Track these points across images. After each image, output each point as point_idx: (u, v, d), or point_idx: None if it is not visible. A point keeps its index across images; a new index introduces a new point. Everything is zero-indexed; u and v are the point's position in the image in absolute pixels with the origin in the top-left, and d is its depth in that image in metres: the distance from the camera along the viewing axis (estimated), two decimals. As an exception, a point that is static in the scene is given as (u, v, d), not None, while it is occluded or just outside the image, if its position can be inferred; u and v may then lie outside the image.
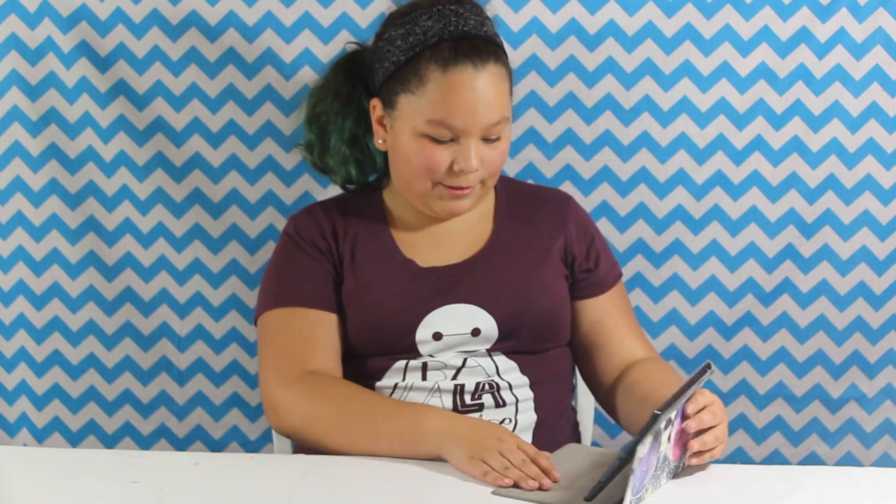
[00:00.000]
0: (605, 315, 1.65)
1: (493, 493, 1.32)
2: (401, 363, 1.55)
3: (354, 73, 1.62)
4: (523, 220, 1.64)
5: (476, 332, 1.55)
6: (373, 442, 1.44)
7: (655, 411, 1.22)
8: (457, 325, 1.54)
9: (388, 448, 1.44)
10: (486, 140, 1.50)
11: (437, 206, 1.55)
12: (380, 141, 1.57)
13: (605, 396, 1.66)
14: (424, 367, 1.54)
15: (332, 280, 1.58)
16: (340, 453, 1.46)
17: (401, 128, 1.52)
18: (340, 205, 1.66)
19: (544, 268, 1.60)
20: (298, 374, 1.51)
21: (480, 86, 1.47)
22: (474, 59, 1.47)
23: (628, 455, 1.22)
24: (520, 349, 1.57)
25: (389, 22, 1.55)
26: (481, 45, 1.49)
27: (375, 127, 1.57)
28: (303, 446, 1.55)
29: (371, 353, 1.56)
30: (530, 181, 2.06)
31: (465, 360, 1.55)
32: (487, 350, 1.56)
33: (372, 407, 1.48)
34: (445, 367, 1.55)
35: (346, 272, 1.58)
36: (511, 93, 1.56)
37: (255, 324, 1.63)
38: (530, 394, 1.57)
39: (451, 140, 1.49)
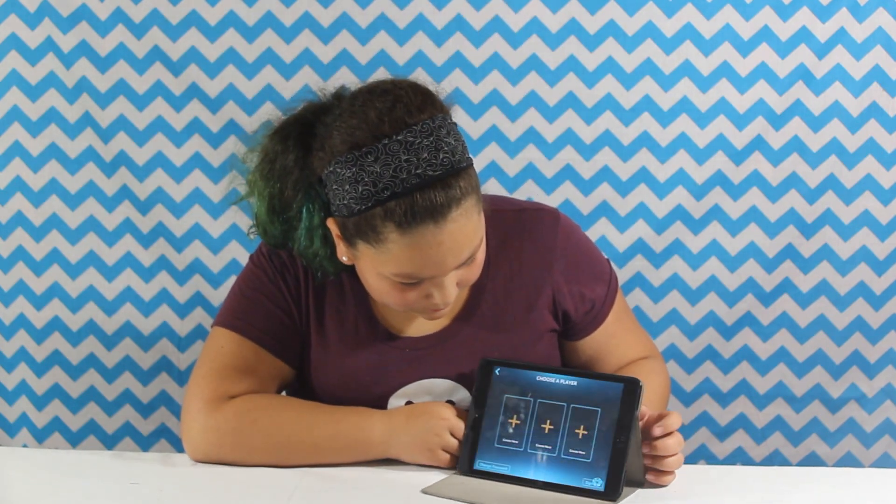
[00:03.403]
0: (602, 347, 1.56)
1: (424, 490, 1.31)
2: None
3: (306, 163, 1.39)
4: (505, 268, 1.50)
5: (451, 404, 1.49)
6: (316, 459, 1.40)
7: (641, 383, 1.26)
8: (431, 398, 1.48)
9: (334, 460, 1.41)
10: (461, 265, 1.36)
11: (418, 315, 1.44)
12: (343, 258, 1.40)
13: None
14: None
15: (293, 328, 1.48)
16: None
17: (364, 266, 1.36)
18: None
19: (526, 328, 1.50)
20: (222, 399, 1.43)
21: (445, 240, 1.29)
22: (434, 213, 1.28)
23: (626, 435, 1.25)
24: None
25: (333, 153, 1.32)
26: (439, 189, 1.28)
27: (337, 241, 1.39)
28: None
29: None
30: (527, 181, 2.06)
31: None
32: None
33: (311, 425, 1.41)
34: None
35: (314, 328, 1.48)
36: (481, 209, 1.36)
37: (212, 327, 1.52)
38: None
39: (423, 279, 1.34)
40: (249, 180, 1.45)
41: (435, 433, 1.36)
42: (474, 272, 1.39)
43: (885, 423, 2.15)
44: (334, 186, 1.33)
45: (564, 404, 1.31)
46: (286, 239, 1.44)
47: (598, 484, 1.26)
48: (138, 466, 1.41)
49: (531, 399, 1.33)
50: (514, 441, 1.32)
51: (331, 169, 1.33)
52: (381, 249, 1.32)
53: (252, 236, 1.51)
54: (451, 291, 1.36)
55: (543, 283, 1.50)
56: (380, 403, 1.47)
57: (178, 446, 2.17)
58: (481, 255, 1.39)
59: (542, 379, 1.33)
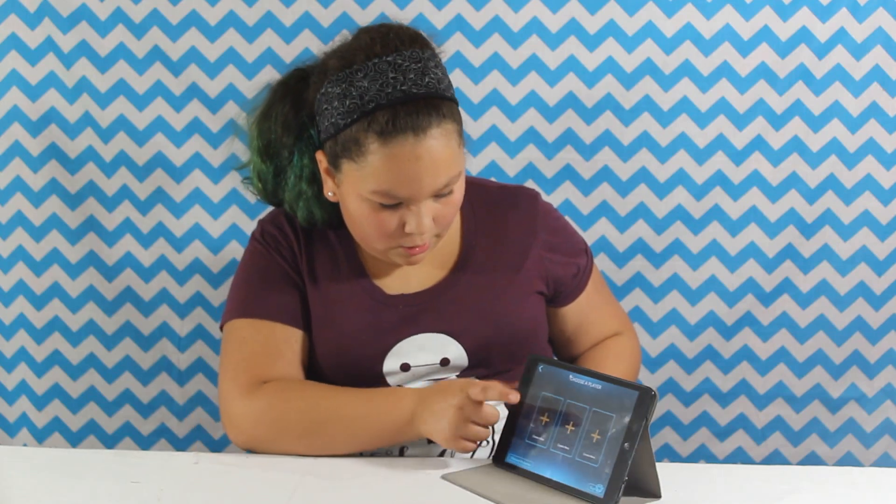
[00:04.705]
0: (585, 316, 1.64)
1: (443, 476, 1.34)
2: None
3: (302, 104, 1.49)
4: (492, 234, 1.57)
5: (445, 363, 1.51)
6: (348, 440, 1.43)
7: (653, 392, 1.24)
8: (425, 355, 1.51)
9: (365, 444, 1.43)
10: (438, 196, 1.42)
11: (396, 259, 1.48)
12: (329, 193, 1.48)
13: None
14: None
15: (300, 294, 1.53)
16: (318, 455, 1.44)
17: (347, 191, 1.43)
18: None
19: (514, 287, 1.55)
20: (257, 384, 1.47)
21: (424, 154, 1.36)
22: (414, 126, 1.36)
23: (632, 443, 1.24)
24: (492, 372, 1.53)
25: (326, 74, 1.42)
26: (422, 106, 1.37)
27: (324, 177, 1.47)
28: None
29: (339, 380, 1.52)
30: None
31: None
32: (457, 376, 1.53)
33: (341, 405, 1.44)
34: None
35: (310, 291, 1.53)
36: (462, 143, 1.43)
37: (221, 329, 1.57)
38: (506, 411, 1.50)
39: (400, 203, 1.41)
40: (250, 134, 1.54)
41: (456, 424, 1.35)
42: (451, 210, 1.45)
43: (885, 423, 2.16)
44: (324, 107, 1.42)
45: (587, 407, 1.30)
46: (277, 182, 1.52)
47: (598, 490, 1.25)
48: (138, 466, 1.41)
49: (562, 399, 1.33)
50: (540, 438, 1.33)
51: (323, 91, 1.42)
52: (362, 164, 1.39)
53: (246, 186, 1.58)
54: (427, 222, 1.41)
55: (529, 248, 1.57)
56: (375, 362, 1.50)
57: (178, 446, 2.17)
58: (458, 194, 1.45)
59: (573, 379, 1.33)
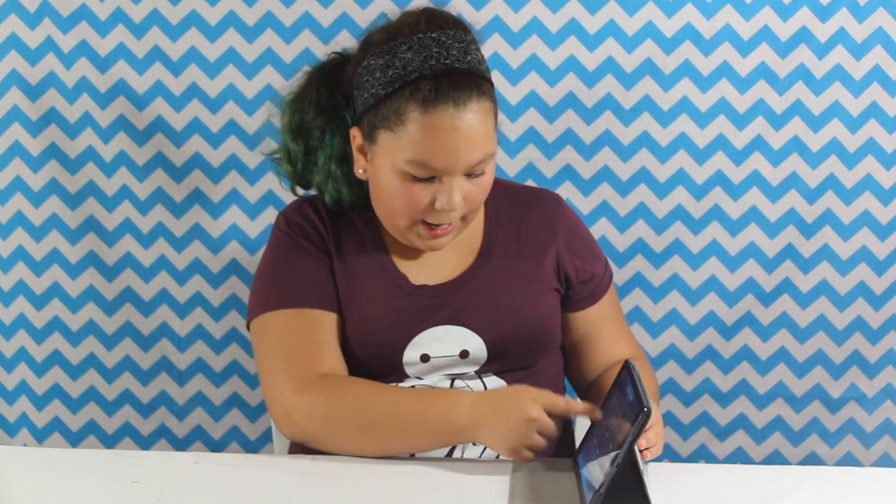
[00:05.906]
0: (595, 327, 1.62)
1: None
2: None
3: (337, 86, 1.53)
4: (513, 230, 1.58)
5: (464, 355, 1.51)
6: (401, 440, 1.42)
7: (646, 408, 1.20)
8: (445, 347, 1.50)
9: (418, 445, 1.42)
10: (470, 175, 1.44)
11: (417, 241, 1.48)
12: (360, 171, 1.49)
13: (584, 392, 1.66)
14: None
15: (332, 277, 1.52)
16: (369, 455, 1.42)
17: (381, 163, 1.44)
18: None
19: (534, 282, 1.55)
20: (312, 378, 1.45)
21: (462, 126, 1.39)
22: (455, 98, 1.39)
23: (623, 458, 1.21)
24: (509, 368, 1.52)
25: (369, 48, 1.45)
26: (463, 80, 1.40)
27: (356, 155, 1.49)
28: (299, 445, 1.51)
29: (358, 372, 1.51)
30: (527, 181, 2.06)
31: (452, 382, 1.50)
32: (476, 372, 1.51)
33: (396, 404, 1.42)
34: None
35: (338, 275, 1.52)
36: (496, 125, 1.46)
37: (249, 325, 1.55)
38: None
39: (433, 177, 1.42)
40: (282, 114, 1.56)
41: (523, 433, 1.34)
42: (481, 193, 1.47)
43: (885, 423, 2.16)
44: (365, 78, 1.44)
45: (619, 414, 1.28)
46: (306, 163, 1.54)
47: (589, 496, 1.25)
48: (138, 466, 1.41)
49: (616, 405, 1.30)
50: (595, 440, 1.33)
51: (365, 63, 1.44)
52: (400, 133, 1.40)
53: (276, 166, 1.60)
54: (457, 199, 1.42)
55: (548, 246, 1.58)
56: (396, 352, 1.50)
57: (178, 446, 2.17)
58: (489, 177, 1.47)
59: (628, 389, 1.29)
